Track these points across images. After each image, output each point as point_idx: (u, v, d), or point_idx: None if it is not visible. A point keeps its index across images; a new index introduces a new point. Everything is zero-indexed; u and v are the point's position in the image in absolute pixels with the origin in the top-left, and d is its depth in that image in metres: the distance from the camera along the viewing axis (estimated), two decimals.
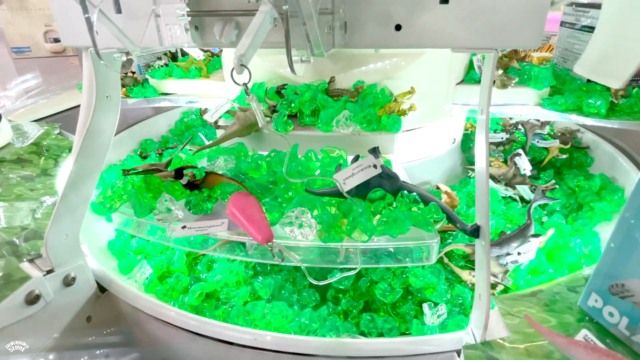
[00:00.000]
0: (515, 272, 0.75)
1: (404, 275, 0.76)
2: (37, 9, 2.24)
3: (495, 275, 0.71)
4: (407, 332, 0.71)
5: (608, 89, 0.92)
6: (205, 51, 1.32)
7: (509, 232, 0.75)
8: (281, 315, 0.69)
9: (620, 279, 0.48)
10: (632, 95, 0.91)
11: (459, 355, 0.55)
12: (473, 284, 0.74)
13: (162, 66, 1.22)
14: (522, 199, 0.97)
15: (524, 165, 0.99)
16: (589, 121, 0.91)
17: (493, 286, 0.73)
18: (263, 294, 0.75)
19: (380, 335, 0.70)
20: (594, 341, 0.48)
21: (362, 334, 0.70)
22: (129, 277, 0.80)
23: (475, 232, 0.54)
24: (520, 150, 1.03)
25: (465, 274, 0.76)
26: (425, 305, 0.70)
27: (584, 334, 0.49)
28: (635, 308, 0.47)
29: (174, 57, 1.33)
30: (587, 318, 0.52)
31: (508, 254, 0.72)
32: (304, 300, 0.76)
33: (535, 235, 0.74)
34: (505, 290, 0.73)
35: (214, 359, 0.63)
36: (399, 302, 0.75)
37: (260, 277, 0.78)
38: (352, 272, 0.62)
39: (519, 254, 0.72)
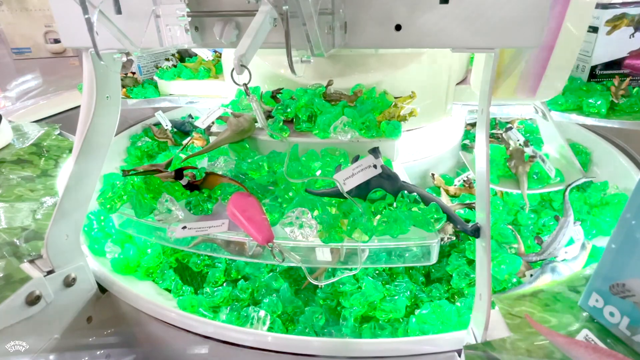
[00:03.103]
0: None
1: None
2: (38, 9, 2.24)
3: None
4: None
5: (608, 88, 0.92)
6: (213, 51, 1.31)
7: (547, 237, 0.77)
8: (450, 313, 0.67)
9: (620, 279, 0.48)
10: (632, 94, 0.91)
11: (459, 355, 0.55)
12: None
13: (170, 67, 1.22)
14: None
15: (517, 137, 1.08)
16: (589, 121, 0.91)
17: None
18: (407, 300, 0.74)
19: None
20: (594, 341, 0.48)
21: None
22: (251, 325, 0.70)
23: (475, 232, 0.54)
24: (511, 125, 1.11)
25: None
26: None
27: (584, 333, 0.49)
28: (636, 308, 0.47)
29: (182, 57, 1.33)
30: (588, 318, 0.52)
31: (555, 257, 0.74)
32: (435, 295, 0.77)
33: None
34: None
35: None
36: None
37: (388, 286, 0.76)
38: (353, 272, 0.62)
39: (565, 252, 0.74)
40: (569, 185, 0.86)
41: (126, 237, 0.86)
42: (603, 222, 0.88)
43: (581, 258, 0.72)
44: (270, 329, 0.70)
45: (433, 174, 1.00)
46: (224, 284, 0.81)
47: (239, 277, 0.83)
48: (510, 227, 0.86)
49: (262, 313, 0.70)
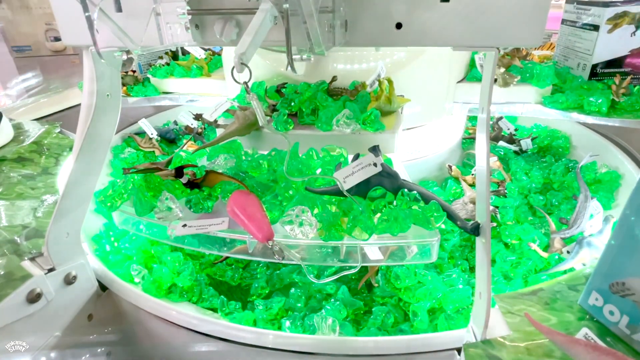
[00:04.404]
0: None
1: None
2: (38, 7, 2.24)
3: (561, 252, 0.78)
4: None
5: (609, 87, 0.92)
6: (206, 49, 1.31)
7: (570, 217, 0.84)
8: None
9: (620, 278, 0.48)
10: (633, 93, 0.91)
11: (459, 354, 0.55)
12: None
13: (163, 65, 1.22)
14: (521, 150, 1.20)
15: (507, 126, 1.23)
16: (590, 119, 0.91)
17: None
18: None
19: None
20: (594, 339, 0.48)
21: None
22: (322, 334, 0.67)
23: (475, 230, 0.54)
24: (501, 115, 1.24)
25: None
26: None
27: (584, 332, 0.49)
28: (635, 307, 0.47)
29: (175, 56, 1.33)
30: (587, 316, 0.52)
31: (583, 232, 0.80)
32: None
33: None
34: None
35: (215, 358, 0.63)
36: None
37: (439, 276, 0.78)
38: (353, 271, 0.62)
39: (591, 226, 0.80)
40: (580, 164, 0.97)
41: (149, 256, 0.83)
42: (603, 198, 0.93)
43: (606, 231, 0.75)
44: (340, 334, 0.67)
45: (450, 166, 1.03)
46: (273, 295, 0.77)
47: (281, 286, 0.81)
48: (539, 209, 0.92)
49: (329, 320, 0.67)
